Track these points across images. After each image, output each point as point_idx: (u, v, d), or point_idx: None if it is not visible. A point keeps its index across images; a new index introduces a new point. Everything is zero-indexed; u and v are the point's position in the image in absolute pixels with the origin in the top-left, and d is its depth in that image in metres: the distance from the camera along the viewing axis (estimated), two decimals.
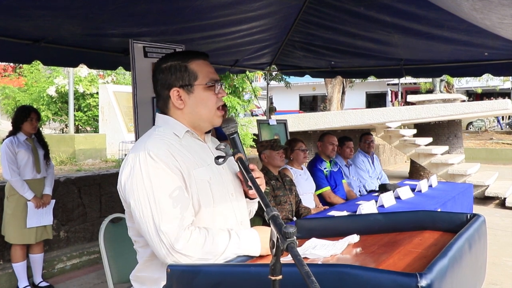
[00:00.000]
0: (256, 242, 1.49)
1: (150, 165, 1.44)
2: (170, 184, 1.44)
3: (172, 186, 1.44)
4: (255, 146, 8.83)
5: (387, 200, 3.69)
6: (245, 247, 1.47)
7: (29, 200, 3.91)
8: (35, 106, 9.34)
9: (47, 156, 4.13)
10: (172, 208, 1.41)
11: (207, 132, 1.68)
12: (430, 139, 10.05)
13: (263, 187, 1.55)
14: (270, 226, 1.03)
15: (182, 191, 1.45)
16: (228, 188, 1.61)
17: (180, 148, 1.53)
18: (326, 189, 4.34)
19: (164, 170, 1.44)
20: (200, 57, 1.62)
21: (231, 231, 1.48)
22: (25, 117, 3.97)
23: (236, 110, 10.34)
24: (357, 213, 3.13)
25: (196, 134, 1.62)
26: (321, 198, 4.32)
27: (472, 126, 22.54)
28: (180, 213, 1.42)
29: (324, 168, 4.45)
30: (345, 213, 3.36)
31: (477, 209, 6.56)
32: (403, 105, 19.12)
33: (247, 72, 6.41)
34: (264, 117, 7.07)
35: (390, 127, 10.37)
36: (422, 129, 10.83)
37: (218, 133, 4.22)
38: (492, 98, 22.53)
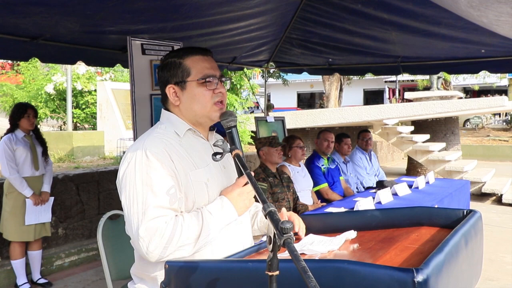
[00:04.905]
0: (229, 208, 1.50)
1: (144, 163, 1.44)
2: (160, 185, 1.43)
3: (162, 186, 1.43)
4: (253, 143, 8.83)
5: (385, 196, 3.71)
6: (222, 219, 1.47)
7: (28, 198, 3.91)
8: (33, 104, 9.36)
9: (45, 153, 4.12)
10: (156, 209, 1.41)
11: (212, 130, 1.68)
12: (427, 136, 10.08)
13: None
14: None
15: (173, 191, 1.44)
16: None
17: (179, 148, 1.52)
18: (324, 185, 4.36)
19: (157, 170, 1.44)
20: (198, 53, 1.60)
21: (202, 211, 1.46)
22: (22, 114, 3.96)
23: (234, 107, 10.36)
24: (354, 209, 3.14)
25: (199, 131, 1.61)
26: (319, 194, 4.33)
27: (469, 123, 22.57)
28: (163, 214, 1.41)
29: (322, 165, 4.46)
30: (342, 209, 3.37)
31: (474, 205, 6.59)
32: (401, 102, 19.14)
33: (245, 70, 6.40)
34: (262, 114, 7.07)
35: (387, 124, 10.40)
36: (420, 126, 10.85)
37: (218, 132, 4.22)
38: (489, 95, 22.55)
